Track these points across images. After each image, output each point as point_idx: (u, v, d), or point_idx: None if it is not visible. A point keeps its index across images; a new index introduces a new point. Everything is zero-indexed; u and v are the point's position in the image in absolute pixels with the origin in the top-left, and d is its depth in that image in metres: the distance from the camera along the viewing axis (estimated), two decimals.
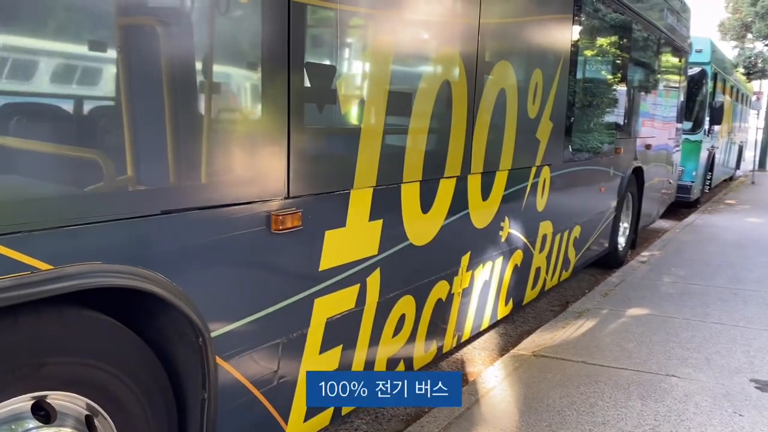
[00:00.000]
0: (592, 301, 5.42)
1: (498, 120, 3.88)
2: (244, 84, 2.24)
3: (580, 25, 4.99)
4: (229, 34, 2.14)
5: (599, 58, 6.02)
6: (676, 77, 9.08)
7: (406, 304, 3.16)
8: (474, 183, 3.65)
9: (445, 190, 3.36)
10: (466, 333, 3.94)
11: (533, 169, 4.47)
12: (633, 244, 8.00)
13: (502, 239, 4.15)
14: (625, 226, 7.47)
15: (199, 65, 2.01)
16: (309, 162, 2.40)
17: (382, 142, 2.77)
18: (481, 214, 3.80)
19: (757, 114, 18.00)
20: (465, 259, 3.70)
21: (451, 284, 3.58)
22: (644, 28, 6.91)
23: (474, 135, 3.55)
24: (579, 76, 5.31)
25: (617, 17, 5.97)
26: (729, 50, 16.77)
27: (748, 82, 17.17)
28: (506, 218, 4.15)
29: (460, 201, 3.53)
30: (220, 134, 2.05)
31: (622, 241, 7.41)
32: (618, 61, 6.27)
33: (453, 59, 3.32)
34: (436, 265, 3.42)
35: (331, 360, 2.67)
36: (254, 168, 2.16)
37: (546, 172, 4.68)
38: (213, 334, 2.03)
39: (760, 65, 15.72)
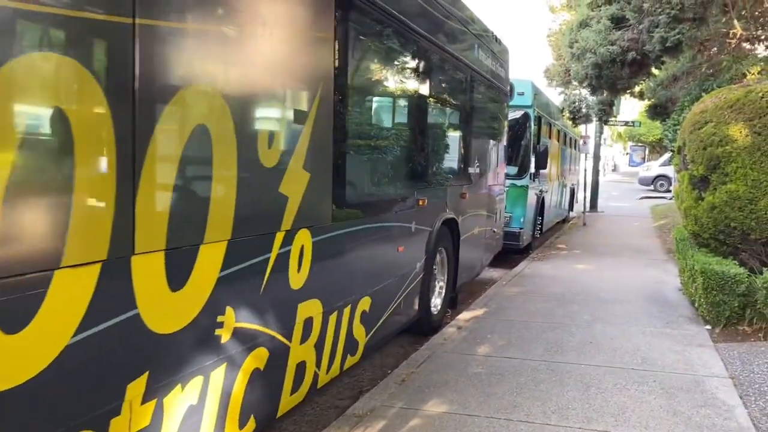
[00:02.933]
0: (384, 392, 4.31)
1: (194, 171, 2.68)
2: None
3: (348, 50, 3.96)
4: None
5: (384, 94, 5.07)
6: (494, 120, 8.50)
7: None
8: (146, 267, 2.39)
9: (69, 287, 2.06)
10: None
11: (279, 236, 3.29)
12: (453, 302, 7.16)
13: (222, 340, 2.90)
14: (440, 285, 6.56)
15: None
16: None
17: None
18: (168, 311, 2.53)
19: (585, 157, 18.47)
20: (137, 386, 2.39)
21: None
22: (448, 64, 6.13)
23: (138, 195, 2.30)
24: (356, 114, 4.29)
25: (405, 46, 5.06)
26: (556, 96, 17.09)
27: (575, 126, 17.58)
28: (228, 308, 2.92)
29: (112, 299, 2.25)
30: None
31: (437, 302, 6.48)
32: (413, 99, 5.35)
33: (74, 74, 2.07)
34: (59, 413, 2.09)
35: None
36: None
37: (304, 237, 3.52)
38: None
39: (584, 110, 16.04)
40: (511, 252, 10.83)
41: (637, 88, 18.68)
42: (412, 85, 5.25)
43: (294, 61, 3.43)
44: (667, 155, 29.21)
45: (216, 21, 2.80)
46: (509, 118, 10.39)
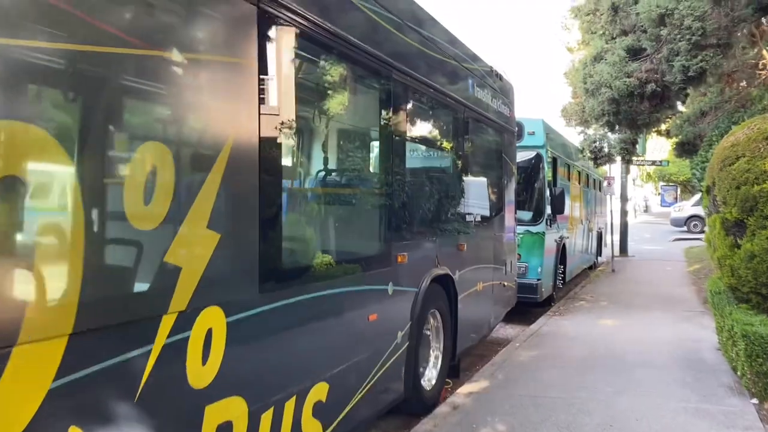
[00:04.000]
0: None
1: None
2: None
3: (278, 71, 3.19)
4: None
5: (343, 131, 4.30)
6: (498, 161, 7.67)
7: None
8: None
9: None
10: None
11: (166, 320, 2.47)
12: (455, 370, 6.24)
13: None
14: (435, 354, 5.65)
15: None
16: None
17: None
18: None
19: (610, 198, 17.46)
20: None
21: None
22: (429, 98, 5.35)
23: None
24: (298, 155, 3.53)
25: (365, 73, 4.30)
26: (576, 136, 16.22)
27: (597, 167, 16.65)
28: (73, 429, 2.10)
29: None
30: None
31: (432, 374, 5.56)
32: (387, 138, 4.55)
33: None
34: None
35: None
36: None
37: (212, 318, 2.71)
38: None
39: (605, 150, 15.12)
40: (530, 305, 9.89)
41: (663, 126, 17.77)
42: (383, 120, 4.45)
43: (182, 82, 2.67)
44: (699, 195, 28.00)
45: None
46: (520, 160, 9.60)
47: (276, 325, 3.20)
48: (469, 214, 6.34)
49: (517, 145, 9.32)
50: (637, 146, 15.43)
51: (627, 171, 21.65)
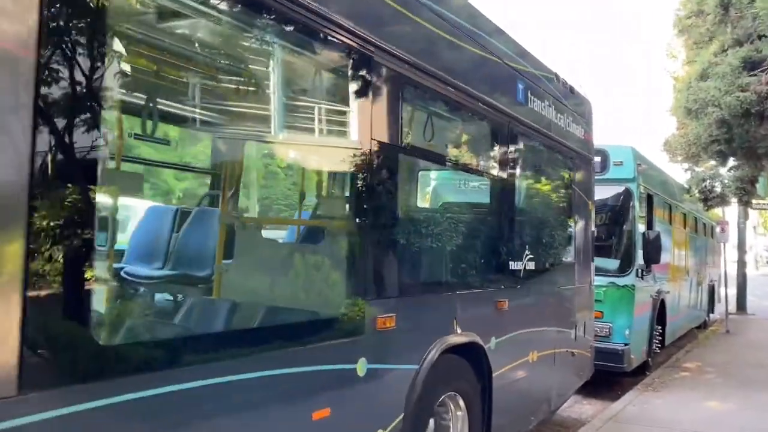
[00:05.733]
0: None
1: None
2: None
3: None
4: None
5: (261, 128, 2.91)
6: (566, 194, 6.04)
7: None
8: None
9: None
10: None
11: None
12: None
13: None
14: None
15: None
16: None
17: None
18: None
19: (724, 247, 14.99)
20: None
21: None
22: (437, 92, 3.87)
23: None
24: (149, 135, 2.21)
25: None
26: (681, 173, 14.05)
27: (707, 210, 14.34)
28: None
29: None
30: None
31: None
32: (359, 134, 3.14)
33: None
34: None
35: None
36: None
37: None
38: None
39: (717, 189, 12.84)
40: (618, 374, 8.03)
41: None
42: (348, 108, 3.04)
43: None
44: None
45: None
46: (605, 196, 7.95)
47: None
48: (515, 260, 4.75)
49: (602, 177, 7.78)
50: (758, 186, 13.02)
51: (745, 216, 18.96)
